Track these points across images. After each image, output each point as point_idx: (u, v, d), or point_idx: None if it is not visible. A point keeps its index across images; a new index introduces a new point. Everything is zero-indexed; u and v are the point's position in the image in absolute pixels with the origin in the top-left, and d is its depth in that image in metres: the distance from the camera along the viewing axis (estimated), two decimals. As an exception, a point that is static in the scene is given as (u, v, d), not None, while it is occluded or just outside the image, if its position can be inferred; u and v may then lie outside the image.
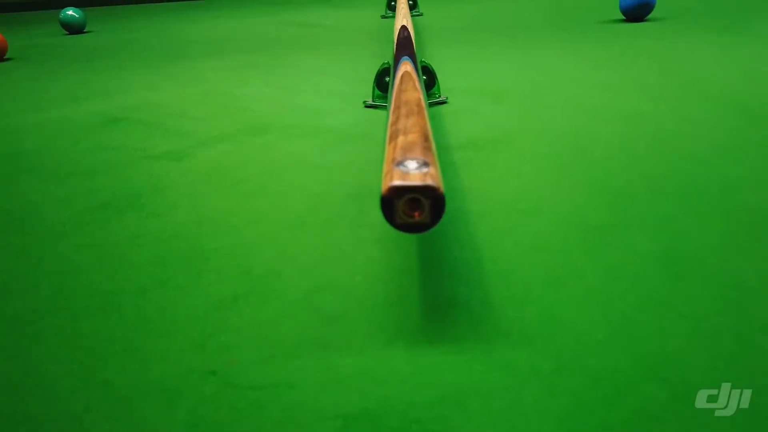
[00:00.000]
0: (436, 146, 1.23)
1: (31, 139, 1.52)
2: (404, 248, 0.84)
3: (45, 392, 0.62)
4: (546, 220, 0.89)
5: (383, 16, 3.43)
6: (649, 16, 2.66)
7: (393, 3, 3.42)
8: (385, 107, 1.51)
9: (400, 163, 0.69)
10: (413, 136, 0.79)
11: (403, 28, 1.81)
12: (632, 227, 0.85)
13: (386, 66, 1.58)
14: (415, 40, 2.24)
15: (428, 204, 0.64)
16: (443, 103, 1.57)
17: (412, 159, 0.69)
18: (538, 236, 0.85)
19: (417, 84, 1.11)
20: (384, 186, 0.65)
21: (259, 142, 1.36)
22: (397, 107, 0.95)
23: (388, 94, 1.12)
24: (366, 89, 1.68)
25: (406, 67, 1.24)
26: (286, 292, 0.75)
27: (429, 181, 0.64)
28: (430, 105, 1.56)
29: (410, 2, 3.41)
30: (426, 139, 0.79)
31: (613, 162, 1.09)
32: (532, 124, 1.35)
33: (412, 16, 3.37)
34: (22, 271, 0.86)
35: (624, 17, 2.69)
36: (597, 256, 0.78)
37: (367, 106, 1.59)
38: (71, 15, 3.58)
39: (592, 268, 0.76)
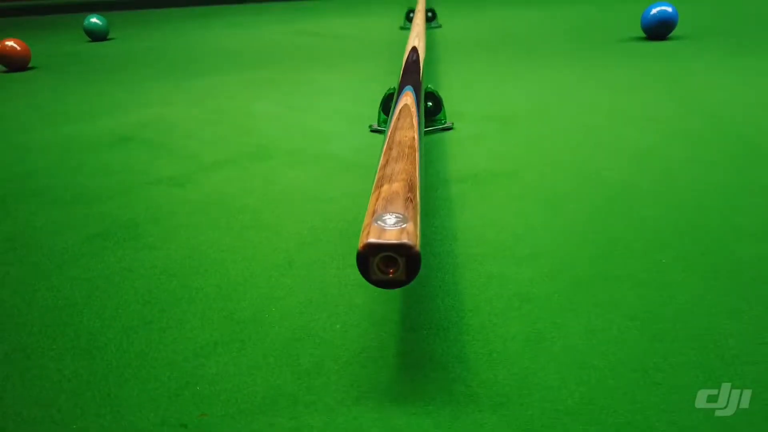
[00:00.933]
0: (436, 178, 1.23)
1: (43, 157, 1.55)
2: (388, 294, 0.84)
3: (23, 437, 0.64)
4: (536, 267, 0.89)
5: (402, 27, 3.43)
6: (671, 34, 2.62)
7: (411, 15, 3.41)
8: (389, 132, 1.51)
9: (378, 218, 0.69)
10: (397, 186, 0.79)
11: (413, 50, 1.81)
12: (621, 280, 0.84)
13: (392, 91, 1.58)
14: (429, 56, 2.24)
15: (403, 262, 0.64)
16: (449, 129, 1.57)
17: (391, 213, 0.70)
18: (525, 286, 0.84)
19: (414, 119, 1.10)
20: (360, 242, 0.65)
21: (262, 169, 1.37)
22: (390, 147, 0.95)
23: (386, 128, 1.12)
24: (374, 110, 1.68)
25: (406, 99, 1.24)
26: (265, 340, 0.76)
27: (404, 239, 0.64)
28: (436, 131, 1.56)
29: (429, 14, 3.41)
30: (410, 188, 0.79)
31: (614, 204, 1.08)
32: (537, 157, 1.34)
33: (431, 28, 3.37)
34: (17, 305, 0.88)
35: (645, 35, 2.65)
36: (581, 311, 0.78)
37: (372, 131, 1.60)
38: (95, 23, 3.65)
39: (574, 326, 0.75)
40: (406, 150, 0.94)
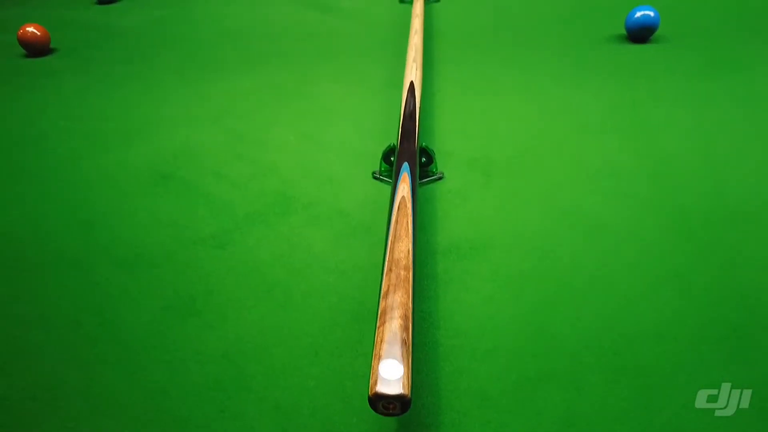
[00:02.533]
0: (425, 249, 1.56)
1: (96, 199, 1.84)
2: (388, 389, 1.19)
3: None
4: (495, 363, 1.23)
5: (401, 1, 3.55)
6: (653, 36, 2.80)
7: (411, -11, 3.52)
8: (389, 183, 1.80)
9: (383, 366, 1.02)
10: (396, 325, 1.11)
11: (410, 92, 2.03)
12: (552, 380, 1.18)
13: (392, 147, 1.85)
14: (423, 60, 2.43)
15: (399, 405, 0.99)
16: (440, 179, 1.85)
17: (392, 360, 1.03)
18: (485, 383, 1.19)
19: (409, 221, 1.40)
20: (371, 389, 0.99)
21: (285, 228, 1.67)
22: (389, 269, 1.25)
23: (386, 230, 1.40)
24: (376, 143, 1.99)
25: (403, 189, 1.51)
26: (305, 434, 1.12)
27: (401, 391, 0.98)
28: (428, 183, 1.84)
29: (428, -12, 3.52)
30: (405, 327, 1.11)
31: (561, 290, 1.40)
32: (507, 225, 1.63)
33: (429, 3, 3.49)
34: (120, 388, 1.23)
35: (627, 35, 2.83)
36: (521, 413, 1.12)
37: (374, 178, 1.88)
38: (103, -14, 3.75)
39: (515, 429, 1.10)
40: (402, 273, 1.24)
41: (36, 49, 2.99)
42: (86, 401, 1.20)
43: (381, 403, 0.99)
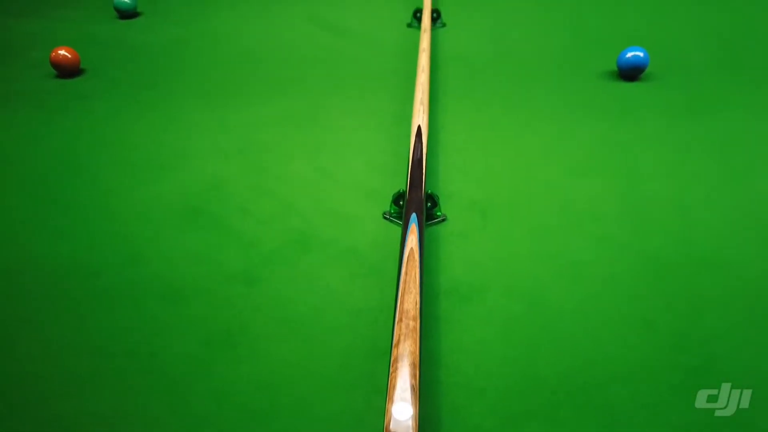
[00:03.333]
0: (431, 291, 1.77)
1: (137, 234, 2.05)
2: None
3: None
4: (485, 402, 1.46)
5: (409, 25, 3.74)
6: (642, 75, 3.01)
7: (419, 15, 3.71)
8: (399, 224, 2.03)
9: (395, 408, 1.26)
10: (406, 372, 1.35)
11: (418, 136, 2.25)
12: (535, 417, 1.42)
13: (401, 192, 2.07)
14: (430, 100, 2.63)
15: (408, 442, 1.23)
16: (443, 221, 2.08)
17: (402, 403, 1.27)
18: (477, 419, 1.42)
19: (417, 274, 1.63)
20: (386, 429, 1.23)
21: (305, 266, 1.89)
22: (400, 319, 1.49)
23: (397, 279, 1.63)
24: (387, 178, 2.26)
25: (412, 240, 1.75)
26: (329, 459, 1.36)
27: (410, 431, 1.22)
28: (433, 224, 2.07)
29: (434, 15, 3.71)
30: (414, 374, 1.35)
31: (544, 337, 1.63)
32: (501, 269, 1.86)
33: (435, 28, 3.68)
34: (171, 415, 1.46)
35: (618, 71, 3.04)
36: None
37: (385, 218, 2.10)
38: (123, 1, 3.92)
39: (500, 456, 1.35)
40: (411, 324, 1.48)
41: (67, 71, 3.19)
42: (144, 427, 1.44)
43: (393, 440, 1.23)
